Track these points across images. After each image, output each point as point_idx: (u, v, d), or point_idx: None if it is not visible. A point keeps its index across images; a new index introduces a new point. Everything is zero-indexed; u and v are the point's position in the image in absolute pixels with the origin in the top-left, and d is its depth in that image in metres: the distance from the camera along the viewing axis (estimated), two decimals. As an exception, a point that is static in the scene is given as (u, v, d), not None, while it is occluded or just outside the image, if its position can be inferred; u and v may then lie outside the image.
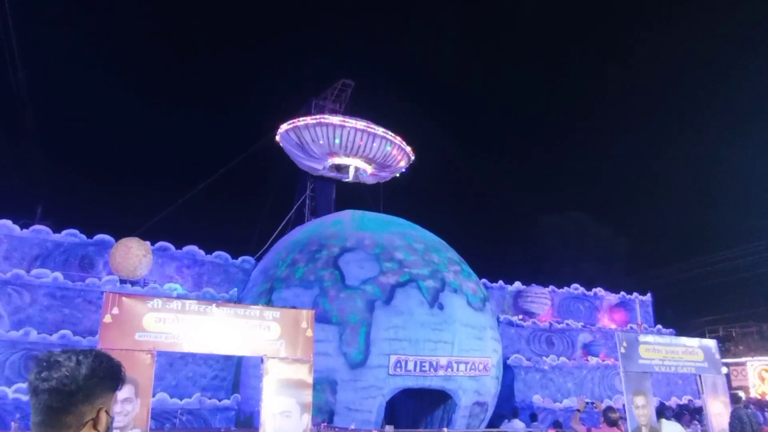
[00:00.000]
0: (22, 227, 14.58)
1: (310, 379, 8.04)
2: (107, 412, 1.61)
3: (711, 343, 11.76)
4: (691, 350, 11.14)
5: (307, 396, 7.93)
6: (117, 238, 14.81)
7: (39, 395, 1.55)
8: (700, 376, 11.07)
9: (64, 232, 14.90)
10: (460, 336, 13.72)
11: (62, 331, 13.07)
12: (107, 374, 1.62)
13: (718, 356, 11.55)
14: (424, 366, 13.25)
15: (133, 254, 14.22)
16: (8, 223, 14.37)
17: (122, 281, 14.28)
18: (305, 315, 8.39)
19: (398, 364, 13.05)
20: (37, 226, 14.94)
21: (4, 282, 13.22)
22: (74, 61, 49.46)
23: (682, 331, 22.81)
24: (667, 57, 57.16)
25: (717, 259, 34.12)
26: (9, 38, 16.54)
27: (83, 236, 15.04)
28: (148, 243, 14.87)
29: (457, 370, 13.62)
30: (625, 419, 9.02)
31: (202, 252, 16.23)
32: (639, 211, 52.08)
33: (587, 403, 9.57)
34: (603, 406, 10.16)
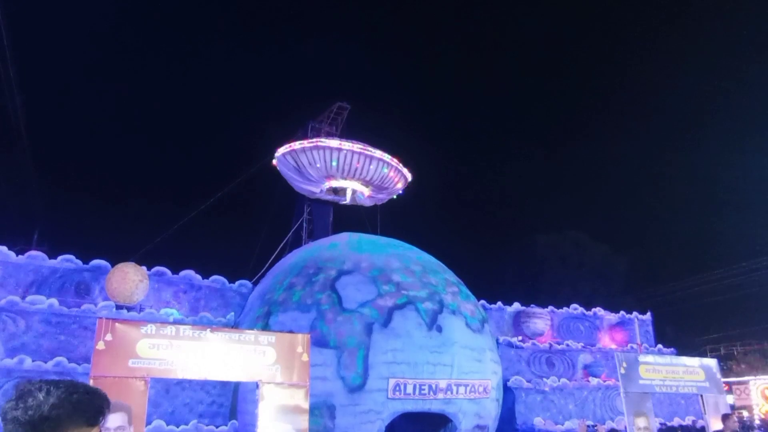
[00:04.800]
0: (18, 253, 14.50)
1: (306, 405, 7.93)
2: None
3: (712, 362, 11.68)
4: (692, 370, 11.04)
5: (304, 422, 7.82)
6: (113, 263, 14.72)
7: (6, 424, 1.51)
8: (702, 396, 10.97)
9: (60, 257, 14.81)
10: (459, 358, 13.58)
11: (57, 358, 12.91)
12: (78, 407, 1.54)
13: (719, 375, 11.46)
14: (424, 389, 13.09)
15: (130, 279, 14.12)
16: (4, 249, 14.28)
17: (118, 307, 14.16)
18: (301, 339, 8.32)
19: (397, 388, 12.89)
20: (32, 252, 14.85)
21: (-1, 309, 13.11)
22: (72, 85, 49.85)
23: (683, 350, 22.65)
24: (666, 63, 57.51)
25: (718, 276, 34.04)
26: (6, 63, 16.66)
27: (79, 262, 14.95)
28: (144, 268, 14.78)
29: (457, 392, 13.45)
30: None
31: (198, 276, 16.13)
32: (637, 228, 52.10)
33: (589, 426, 9.45)
34: (605, 429, 10.02)
